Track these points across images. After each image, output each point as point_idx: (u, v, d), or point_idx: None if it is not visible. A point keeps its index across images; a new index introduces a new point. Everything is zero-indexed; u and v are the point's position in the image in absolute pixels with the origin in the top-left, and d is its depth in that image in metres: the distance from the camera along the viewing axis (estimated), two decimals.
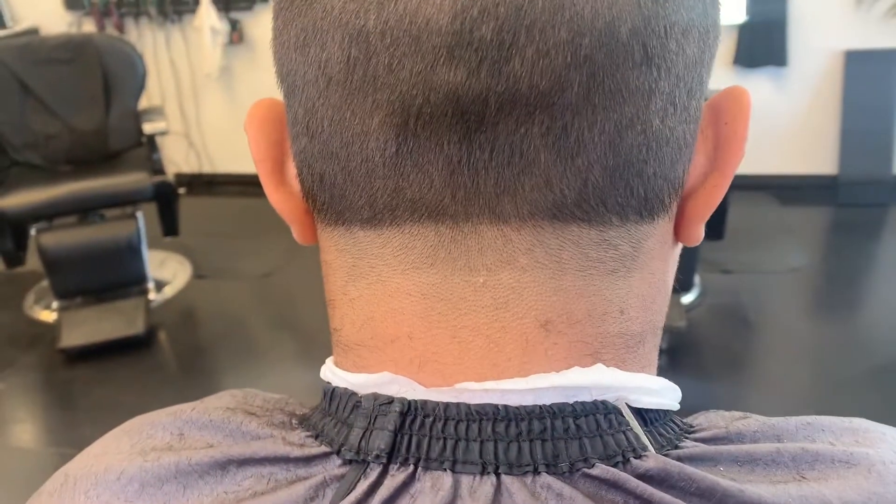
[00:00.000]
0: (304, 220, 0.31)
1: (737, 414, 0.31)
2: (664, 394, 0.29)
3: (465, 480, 0.26)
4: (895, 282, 2.69)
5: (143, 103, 2.99)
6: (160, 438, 0.32)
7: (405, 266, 0.27)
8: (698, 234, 0.30)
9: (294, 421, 0.31)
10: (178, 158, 3.78)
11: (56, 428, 2.41)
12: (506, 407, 0.26)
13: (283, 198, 0.31)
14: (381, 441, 0.27)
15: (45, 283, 2.84)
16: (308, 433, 0.29)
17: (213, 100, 3.76)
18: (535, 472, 0.26)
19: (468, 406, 0.26)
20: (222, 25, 3.52)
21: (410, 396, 0.27)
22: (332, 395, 0.30)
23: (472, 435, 0.26)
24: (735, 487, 0.26)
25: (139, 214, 2.77)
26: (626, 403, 0.27)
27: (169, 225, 2.85)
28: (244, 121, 0.32)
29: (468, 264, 0.27)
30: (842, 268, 2.80)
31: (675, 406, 0.30)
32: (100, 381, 2.52)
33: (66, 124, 2.85)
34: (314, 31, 0.26)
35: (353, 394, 0.29)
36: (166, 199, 2.77)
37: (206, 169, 3.88)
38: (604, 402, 0.27)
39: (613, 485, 0.25)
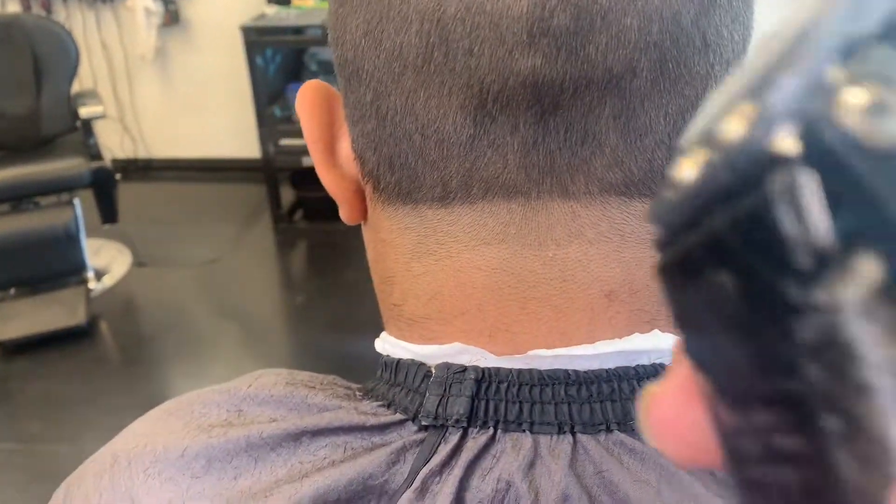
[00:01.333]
0: (354, 201, 0.32)
1: None
2: None
3: (544, 440, 0.28)
4: None
5: (75, 87, 2.88)
6: (216, 416, 0.32)
7: (476, 242, 0.29)
8: None
9: (358, 393, 0.32)
10: (112, 143, 3.66)
11: None
12: (576, 371, 0.28)
13: (334, 179, 0.32)
14: (459, 406, 0.28)
15: None
16: (379, 403, 0.30)
17: (147, 83, 3.65)
18: (608, 430, 0.28)
19: (539, 371, 0.28)
20: (156, 6, 3.42)
21: (482, 365, 0.29)
22: (397, 366, 0.31)
23: (547, 398, 0.28)
24: None
25: (76, 201, 2.68)
26: None
27: (107, 212, 2.76)
28: (296, 102, 0.33)
29: (538, 239, 0.28)
30: None
31: None
32: (40, 375, 2.44)
33: None
34: (389, 17, 0.27)
35: (422, 364, 0.30)
36: (104, 185, 2.69)
37: (142, 154, 3.77)
38: (662, 365, 0.29)
39: None
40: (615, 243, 0.28)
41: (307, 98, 0.32)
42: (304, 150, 3.42)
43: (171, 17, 3.48)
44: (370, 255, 0.34)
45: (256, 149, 3.23)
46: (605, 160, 0.27)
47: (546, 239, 0.28)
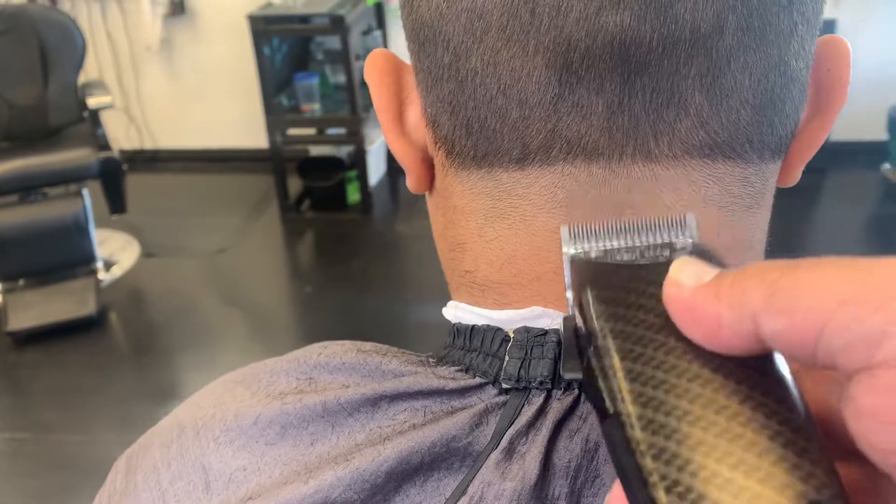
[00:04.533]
0: (421, 169, 0.32)
1: None
2: None
3: None
4: (833, 244, 2.82)
5: (81, 77, 2.88)
6: (286, 384, 0.32)
7: (552, 205, 0.28)
8: (797, 175, 0.32)
9: (431, 360, 0.32)
10: (118, 134, 3.65)
11: (7, 413, 2.33)
12: None
13: (403, 147, 0.32)
14: (543, 368, 0.28)
15: None
16: (456, 367, 0.30)
17: (153, 73, 3.64)
18: None
19: None
20: None
21: None
22: (471, 332, 0.31)
23: None
24: None
25: (85, 192, 2.68)
26: None
27: (116, 202, 2.76)
28: (364, 70, 0.33)
29: (616, 202, 0.28)
30: (785, 232, 2.92)
31: None
32: (51, 365, 2.45)
33: (3, 99, 2.72)
34: None
35: (499, 329, 0.30)
36: (112, 175, 2.69)
37: (148, 145, 3.77)
38: None
39: None
40: (696, 208, 0.28)
41: (376, 66, 0.32)
42: (311, 140, 3.42)
43: (177, 6, 3.47)
44: (437, 223, 0.34)
45: (263, 138, 3.23)
46: (689, 121, 0.27)
47: (625, 201, 0.28)
